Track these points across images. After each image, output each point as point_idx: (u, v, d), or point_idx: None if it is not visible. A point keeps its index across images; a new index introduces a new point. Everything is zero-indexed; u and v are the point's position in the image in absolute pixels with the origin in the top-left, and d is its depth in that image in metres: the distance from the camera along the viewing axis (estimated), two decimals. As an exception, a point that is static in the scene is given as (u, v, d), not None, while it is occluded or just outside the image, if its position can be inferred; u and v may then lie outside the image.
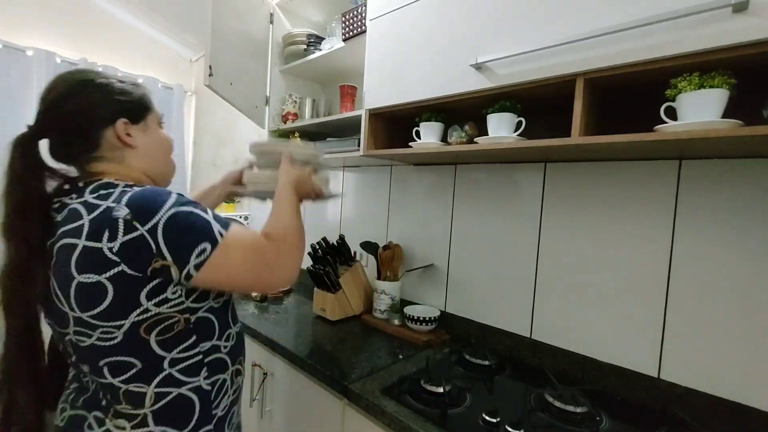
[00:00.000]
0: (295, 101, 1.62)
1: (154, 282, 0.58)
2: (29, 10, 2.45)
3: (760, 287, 0.81)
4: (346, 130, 1.47)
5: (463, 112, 1.09)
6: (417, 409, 0.85)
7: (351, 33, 1.30)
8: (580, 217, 1.06)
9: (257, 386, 1.26)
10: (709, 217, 0.87)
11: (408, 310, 1.32)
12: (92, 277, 0.56)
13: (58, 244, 0.59)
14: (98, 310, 0.57)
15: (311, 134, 1.64)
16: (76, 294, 0.57)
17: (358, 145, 1.27)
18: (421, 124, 1.13)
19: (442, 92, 1.01)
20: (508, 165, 1.22)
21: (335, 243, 1.51)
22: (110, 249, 0.55)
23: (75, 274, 0.56)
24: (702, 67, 0.68)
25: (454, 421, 0.81)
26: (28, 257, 0.60)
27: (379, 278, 1.42)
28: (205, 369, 0.66)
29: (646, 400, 0.93)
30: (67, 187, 0.65)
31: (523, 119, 0.93)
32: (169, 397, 0.63)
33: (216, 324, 0.68)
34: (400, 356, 1.13)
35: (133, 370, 0.60)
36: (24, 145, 0.62)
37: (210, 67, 1.35)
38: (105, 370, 0.60)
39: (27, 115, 2.33)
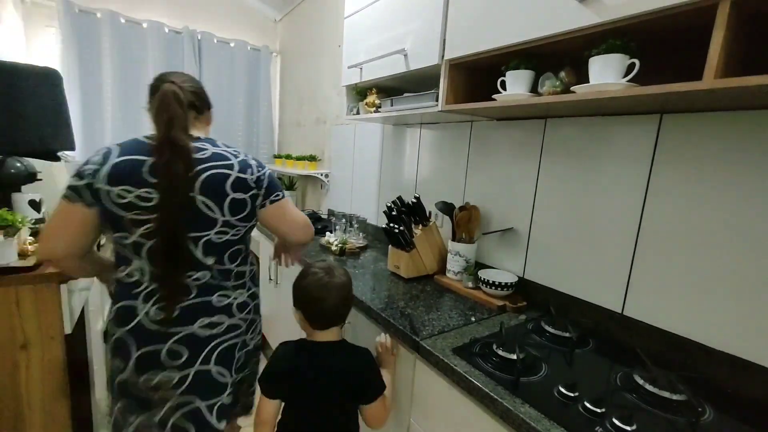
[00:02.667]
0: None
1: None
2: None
3: None
4: (424, 84, 1.40)
5: (558, 56, 0.95)
6: (487, 371, 0.84)
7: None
8: (703, 180, 0.88)
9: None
10: None
11: (483, 273, 1.28)
12: (241, 195, 0.92)
13: (208, 173, 0.88)
14: (241, 215, 0.93)
15: (388, 89, 1.60)
16: (229, 205, 0.90)
17: (437, 100, 1.20)
18: (508, 73, 1.01)
19: (538, 33, 0.88)
20: (610, 118, 1.05)
21: (410, 203, 1.50)
22: (251, 180, 0.94)
23: (230, 192, 0.90)
24: None
25: (526, 389, 0.79)
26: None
27: (453, 239, 1.39)
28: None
29: (766, 397, 0.79)
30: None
31: (636, 61, 0.78)
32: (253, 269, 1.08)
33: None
34: (473, 318, 1.12)
35: (240, 256, 1.00)
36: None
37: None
38: (226, 257, 0.95)
39: (144, 83, 2.66)
